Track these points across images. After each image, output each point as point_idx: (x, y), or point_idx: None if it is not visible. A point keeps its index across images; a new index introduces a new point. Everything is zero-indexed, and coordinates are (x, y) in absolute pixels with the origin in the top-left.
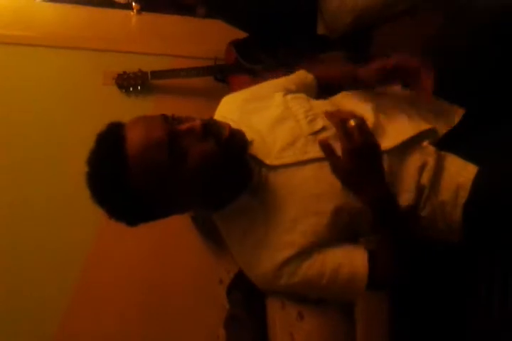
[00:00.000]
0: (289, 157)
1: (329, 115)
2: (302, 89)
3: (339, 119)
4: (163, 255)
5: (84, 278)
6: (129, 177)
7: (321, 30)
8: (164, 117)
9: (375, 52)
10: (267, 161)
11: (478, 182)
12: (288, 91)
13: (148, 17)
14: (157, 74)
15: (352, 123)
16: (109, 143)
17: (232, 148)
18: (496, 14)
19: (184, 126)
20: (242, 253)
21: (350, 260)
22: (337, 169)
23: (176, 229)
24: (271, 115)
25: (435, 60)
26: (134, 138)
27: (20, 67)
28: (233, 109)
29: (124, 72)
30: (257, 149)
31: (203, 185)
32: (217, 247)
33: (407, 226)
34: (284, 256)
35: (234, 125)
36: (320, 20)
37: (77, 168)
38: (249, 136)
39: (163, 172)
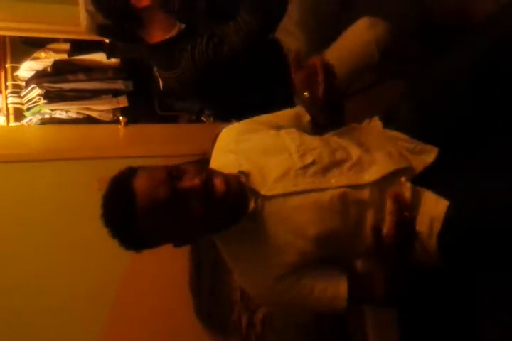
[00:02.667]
0: (281, 188)
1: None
2: (296, 127)
3: (398, 207)
4: None
5: None
6: (136, 221)
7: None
8: (168, 173)
9: (348, 121)
10: (262, 192)
11: (449, 215)
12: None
13: (135, 128)
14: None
15: (407, 214)
16: (120, 196)
17: (230, 200)
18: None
19: (186, 185)
20: (243, 272)
21: (334, 287)
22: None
23: None
24: (265, 145)
25: (407, 106)
26: (142, 194)
27: (18, 183)
28: (230, 140)
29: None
30: (254, 180)
31: (203, 225)
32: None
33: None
34: (277, 274)
35: (232, 157)
36: (296, 98)
37: (81, 271)
38: (247, 168)
39: (166, 223)
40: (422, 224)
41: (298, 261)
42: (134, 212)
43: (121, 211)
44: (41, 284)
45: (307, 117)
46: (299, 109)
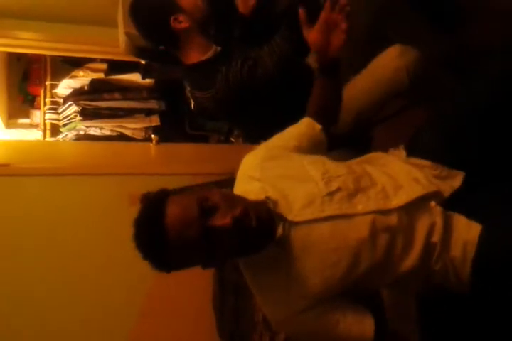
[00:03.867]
0: (308, 214)
1: None
2: (313, 143)
3: None
4: None
5: None
6: (166, 251)
7: None
8: (200, 208)
9: (376, 147)
10: (289, 217)
11: (483, 239)
12: (301, 150)
13: (166, 146)
14: (178, 191)
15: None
16: (153, 231)
17: (261, 236)
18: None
19: (217, 223)
20: (265, 299)
21: (360, 325)
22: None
23: None
24: (290, 174)
25: (430, 134)
26: (172, 224)
27: (52, 196)
28: (254, 167)
29: (149, 192)
30: (281, 207)
31: (234, 254)
32: None
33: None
34: (301, 305)
35: (257, 185)
36: None
37: (107, 286)
38: (273, 195)
39: (196, 254)
40: (455, 249)
41: (325, 291)
42: (165, 245)
43: (152, 242)
44: (67, 298)
45: (318, 126)
46: (307, 121)
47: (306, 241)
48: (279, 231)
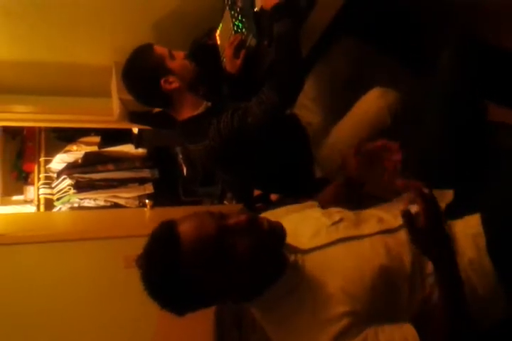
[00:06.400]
0: (317, 241)
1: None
2: None
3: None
4: None
5: None
6: (182, 266)
7: (318, 174)
8: (210, 213)
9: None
10: (301, 247)
11: (487, 223)
12: None
13: (160, 210)
14: None
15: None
16: (164, 239)
17: (274, 238)
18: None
19: (232, 221)
20: (290, 337)
21: (402, 333)
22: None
23: None
24: (293, 219)
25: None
26: (187, 234)
27: (47, 262)
28: None
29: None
30: (290, 241)
31: (248, 271)
32: None
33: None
34: (335, 330)
35: None
36: (316, 165)
37: None
38: None
39: (213, 263)
40: (469, 250)
41: (354, 310)
42: (179, 253)
43: (165, 254)
44: None
45: None
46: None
47: (323, 264)
48: (292, 257)
